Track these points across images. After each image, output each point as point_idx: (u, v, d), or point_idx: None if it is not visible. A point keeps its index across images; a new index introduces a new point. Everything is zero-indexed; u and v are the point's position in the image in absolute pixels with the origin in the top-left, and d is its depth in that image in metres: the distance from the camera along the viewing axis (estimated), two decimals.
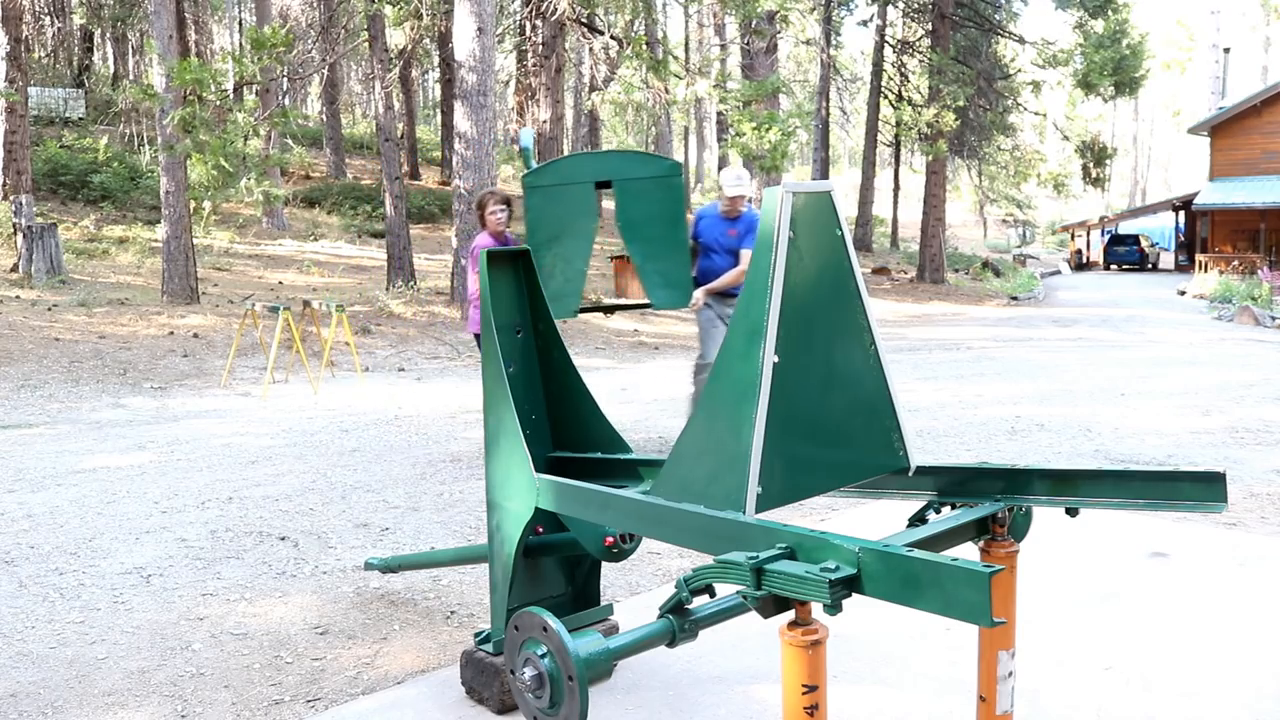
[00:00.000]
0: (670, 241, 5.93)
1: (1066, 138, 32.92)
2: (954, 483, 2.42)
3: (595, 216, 5.77)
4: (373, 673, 3.23)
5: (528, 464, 2.67)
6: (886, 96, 31.24)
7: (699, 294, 6.14)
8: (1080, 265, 40.81)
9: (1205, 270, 28.01)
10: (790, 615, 1.84)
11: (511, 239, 6.04)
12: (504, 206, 5.99)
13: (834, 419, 2.22)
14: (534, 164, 5.81)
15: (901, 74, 30.78)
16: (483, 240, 5.99)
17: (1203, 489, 2.20)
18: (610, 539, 2.73)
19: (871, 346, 2.29)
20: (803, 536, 1.88)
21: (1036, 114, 30.97)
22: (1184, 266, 34.64)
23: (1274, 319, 18.07)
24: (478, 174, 14.29)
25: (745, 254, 6.17)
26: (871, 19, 31.12)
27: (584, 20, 17.46)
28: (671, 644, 2.18)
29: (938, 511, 2.41)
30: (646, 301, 6.09)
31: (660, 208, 5.89)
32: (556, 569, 3.02)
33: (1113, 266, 37.93)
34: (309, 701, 3.04)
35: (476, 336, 5.83)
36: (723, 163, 33.63)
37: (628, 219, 5.94)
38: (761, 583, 1.82)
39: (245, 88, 15.04)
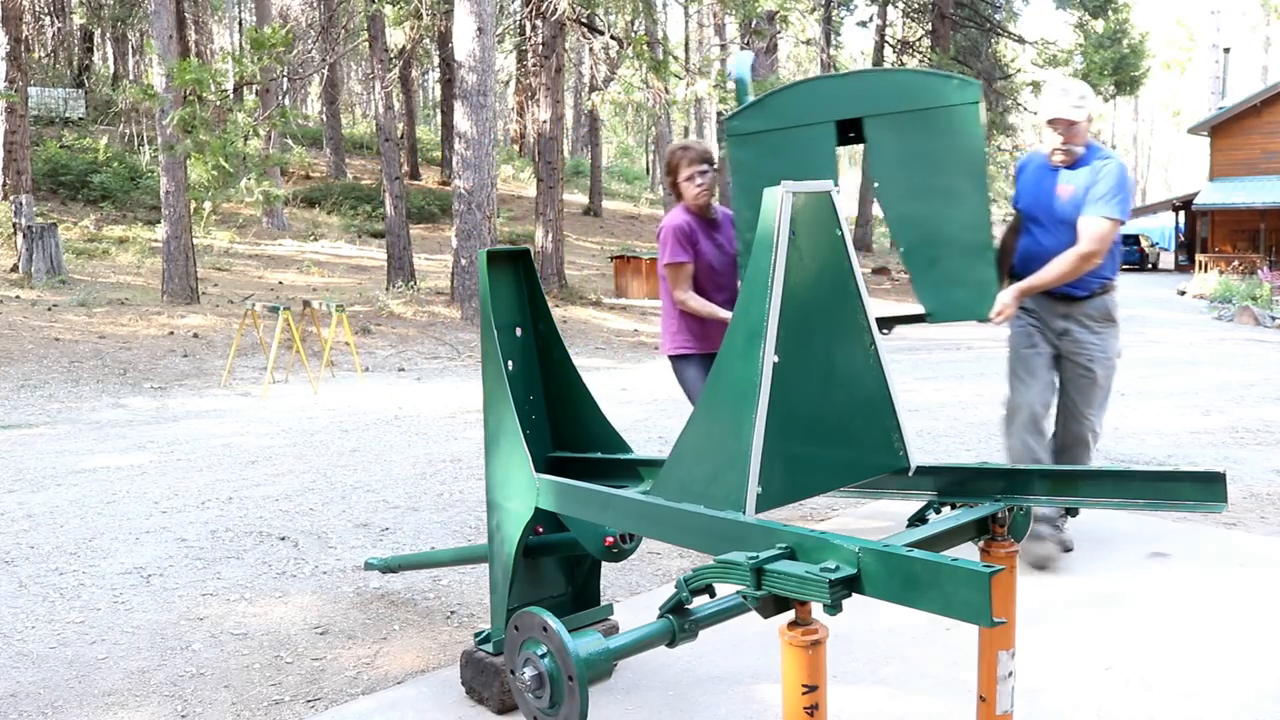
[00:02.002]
0: (962, 210, 3.69)
1: None
2: (954, 483, 2.43)
3: (835, 176, 3.78)
4: (373, 673, 3.23)
5: (528, 464, 2.67)
6: None
7: (1008, 295, 3.77)
8: None
9: (1205, 270, 28.01)
10: (790, 615, 1.84)
11: (722, 214, 4.24)
12: (706, 167, 4.10)
13: (834, 419, 2.22)
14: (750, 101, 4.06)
15: None
16: (676, 219, 4.11)
17: (1203, 489, 2.20)
18: (610, 539, 2.73)
19: (871, 346, 2.29)
20: (803, 536, 1.88)
21: (1036, 114, 30.98)
22: (1184, 266, 34.63)
23: (1274, 319, 18.07)
24: (478, 174, 14.29)
25: (1088, 225, 3.78)
26: (871, 19, 31.12)
27: (584, 20, 17.47)
28: (671, 644, 2.19)
29: (938, 511, 2.41)
30: (919, 312, 3.89)
31: (945, 159, 3.67)
32: (556, 569, 3.02)
33: None
34: (309, 701, 3.04)
35: (672, 358, 4.31)
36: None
37: (889, 179, 3.78)
38: (761, 583, 1.82)
39: (245, 88, 15.04)
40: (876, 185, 3.84)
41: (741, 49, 21.77)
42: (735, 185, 3.96)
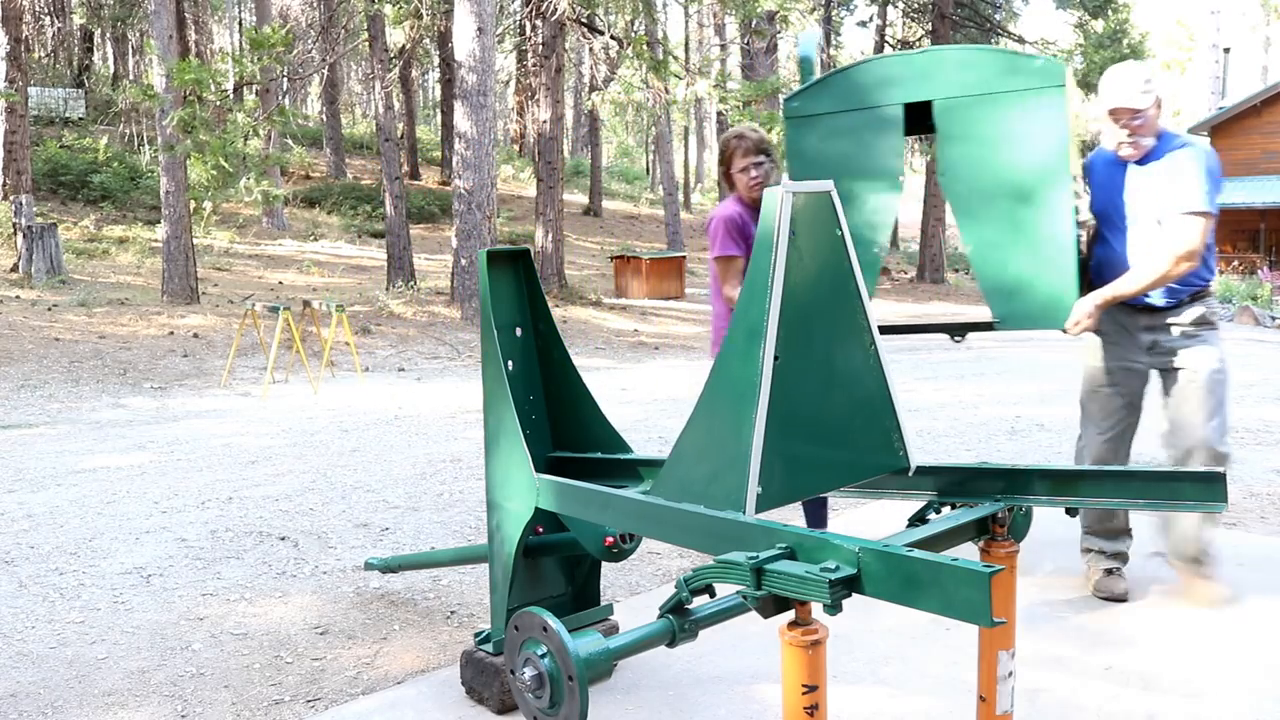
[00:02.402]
0: (1040, 208, 3.34)
1: None
2: (954, 483, 2.43)
3: (900, 164, 3.52)
4: (373, 673, 3.23)
5: (528, 464, 2.67)
6: None
7: (1087, 304, 3.34)
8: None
9: None
10: (790, 615, 1.84)
11: None
12: (762, 159, 3.78)
13: (834, 419, 2.22)
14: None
15: None
16: (727, 210, 3.82)
17: (1203, 489, 2.20)
18: (610, 539, 2.73)
19: (871, 346, 2.29)
20: (803, 536, 1.88)
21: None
22: None
23: (1274, 319, 18.07)
24: (478, 174, 14.29)
25: (1176, 225, 3.30)
26: (871, 19, 31.12)
27: (584, 20, 17.47)
28: (671, 644, 2.19)
29: (938, 511, 2.41)
30: (986, 321, 3.54)
31: (1024, 149, 3.34)
32: (556, 569, 3.02)
33: None
34: (309, 701, 3.04)
35: None
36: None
37: (959, 171, 3.43)
38: (761, 583, 1.82)
39: (245, 88, 15.04)
40: (944, 177, 3.46)
41: (742, 48, 21.78)
42: (792, 172, 3.66)
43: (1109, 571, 3.69)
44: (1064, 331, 3.41)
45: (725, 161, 3.88)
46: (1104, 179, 3.54)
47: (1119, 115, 3.36)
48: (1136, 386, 3.60)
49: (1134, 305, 3.48)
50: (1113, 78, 3.40)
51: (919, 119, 3.54)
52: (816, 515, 4.17)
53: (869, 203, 3.55)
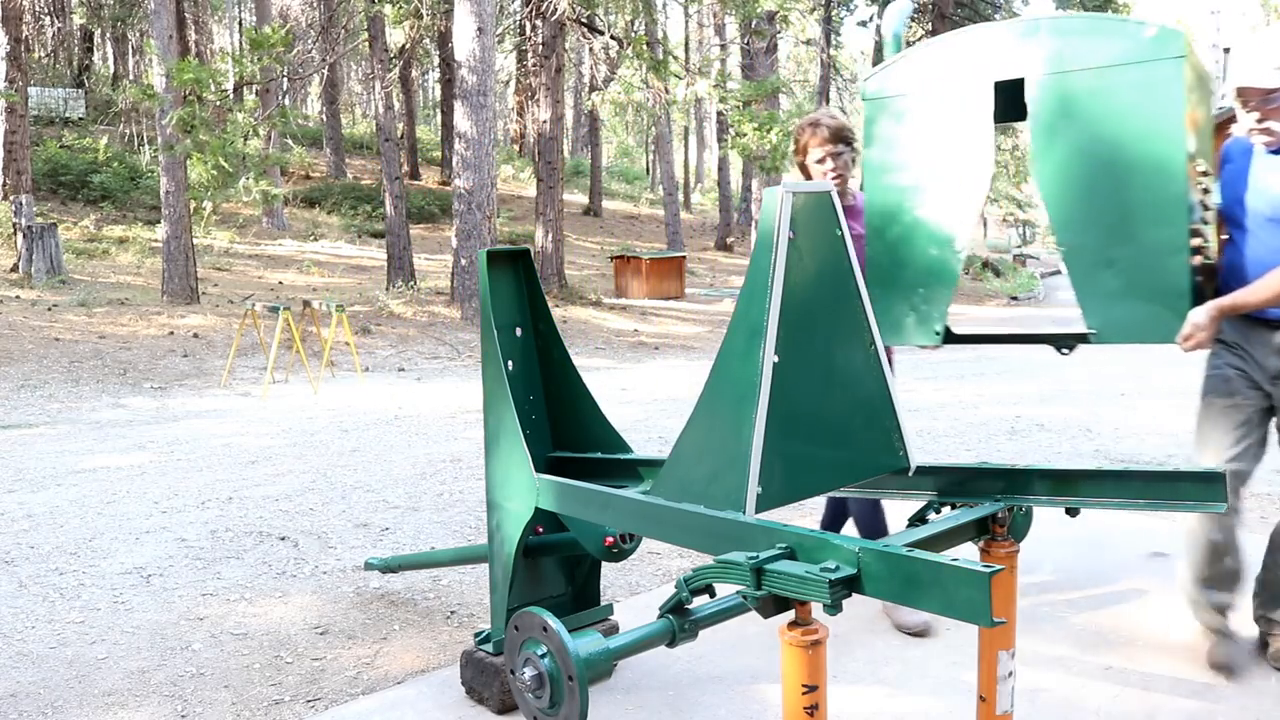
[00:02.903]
0: (1149, 202, 2.80)
1: None
2: (954, 483, 2.43)
3: (990, 151, 3.09)
4: (373, 673, 3.23)
5: (528, 464, 2.68)
6: None
7: (1202, 315, 2.70)
8: None
9: None
10: (790, 615, 1.84)
11: (859, 200, 3.49)
12: (841, 148, 3.44)
13: (834, 419, 2.22)
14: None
15: None
16: None
17: (1203, 489, 2.20)
18: (610, 539, 2.73)
19: (871, 346, 2.29)
20: (803, 536, 1.88)
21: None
22: None
23: None
24: (478, 174, 14.29)
25: None
26: (871, 19, 31.14)
27: (584, 20, 17.47)
28: (671, 644, 2.19)
29: (938, 511, 2.41)
30: (1077, 331, 3.03)
31: (1132, 132, 2.84)
32: (556, 569, 3.02)
33: None
34: (309, 701, 3.04)
35: None
36: (723, 164, 33.45)
37: (1054, 157, 2.94)
38: (761, 583, 1.82)
39: (245, 88, 15.04)
40: (1036, 164, 2.96)
41: (742, 48, 21.77)
42: (866, 161, 3.27)
43: (1221, 633, 3.11)
44: (1176, 342, 2.88)
45: (800, 151, 3.52)
46: (1236, 170, 3.00)
47: (1247, 96, 2.84)
48: (1259, 402, 3.05)
49: (1263, 319, 2.94)
50: (1242, 55, 2.90)
51: (1012, 100, 3.10)
52: (869, 520, 3.68)
53: (953, 195, 3.11)
